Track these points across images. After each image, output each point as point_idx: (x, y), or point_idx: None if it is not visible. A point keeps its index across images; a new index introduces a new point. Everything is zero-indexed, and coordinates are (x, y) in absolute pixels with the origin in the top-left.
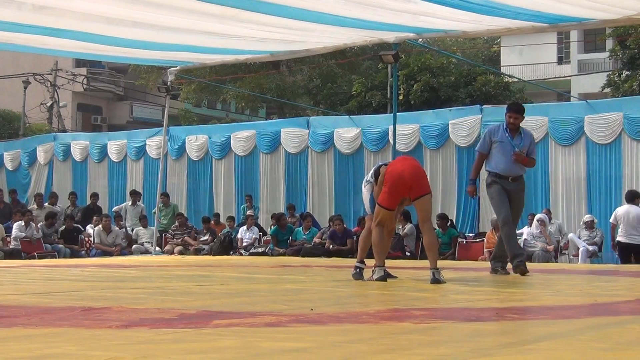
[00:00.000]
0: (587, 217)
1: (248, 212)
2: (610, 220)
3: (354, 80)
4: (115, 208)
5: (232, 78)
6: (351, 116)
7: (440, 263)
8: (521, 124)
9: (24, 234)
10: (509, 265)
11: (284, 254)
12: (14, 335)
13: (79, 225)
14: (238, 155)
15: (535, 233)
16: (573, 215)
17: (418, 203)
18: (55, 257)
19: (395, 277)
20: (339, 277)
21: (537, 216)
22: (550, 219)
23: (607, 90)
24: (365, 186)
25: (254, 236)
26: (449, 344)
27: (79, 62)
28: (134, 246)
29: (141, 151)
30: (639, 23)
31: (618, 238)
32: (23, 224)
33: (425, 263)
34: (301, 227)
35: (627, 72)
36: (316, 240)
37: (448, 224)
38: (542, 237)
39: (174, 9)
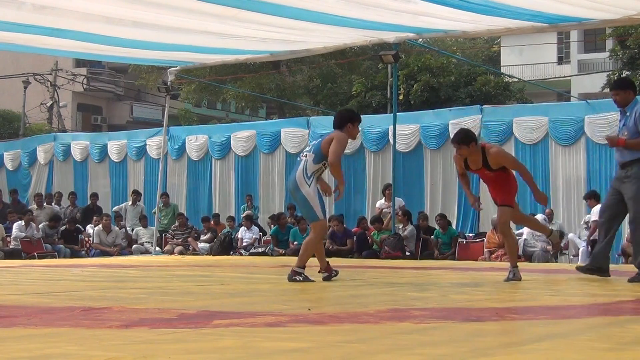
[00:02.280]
0: (588, 217)
1: (246, 213)
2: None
3: (354, 80)
4: (115, 208)
5: (232, 78)
6: None
7: (441, 263)
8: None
9: (24, 234)
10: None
11: (284, 254)
12: (14, 335)
13: (79, 226)
14: (238, 155)
15: (536, 233)
16: (573, 215)
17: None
18: (55, 257)
19: None
20: (339, 277)
21: (538, 216)
22: (551, 219)
23: (607, 90)
24: (308, 183)
25: (254, 236)
26: (449, 344)
27: (79, 62)
28: (134, 246)
29: (141, 151)
30: (639, 23)
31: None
32: (23, 224)
33: (425, 263)
34: (298, 228)
35: (627, 72)
36: None
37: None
38: (543, 236)
39: (174, 8)
